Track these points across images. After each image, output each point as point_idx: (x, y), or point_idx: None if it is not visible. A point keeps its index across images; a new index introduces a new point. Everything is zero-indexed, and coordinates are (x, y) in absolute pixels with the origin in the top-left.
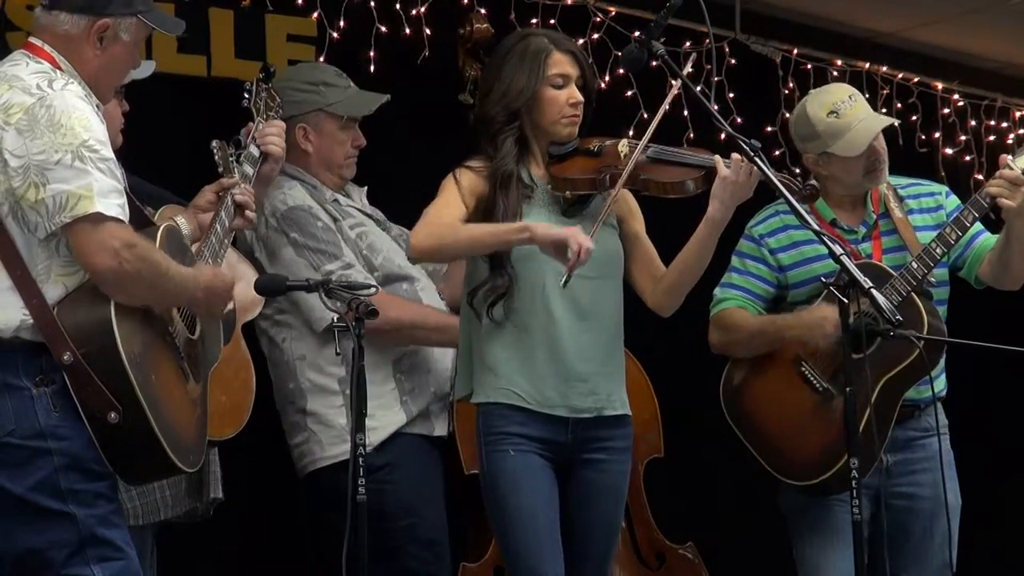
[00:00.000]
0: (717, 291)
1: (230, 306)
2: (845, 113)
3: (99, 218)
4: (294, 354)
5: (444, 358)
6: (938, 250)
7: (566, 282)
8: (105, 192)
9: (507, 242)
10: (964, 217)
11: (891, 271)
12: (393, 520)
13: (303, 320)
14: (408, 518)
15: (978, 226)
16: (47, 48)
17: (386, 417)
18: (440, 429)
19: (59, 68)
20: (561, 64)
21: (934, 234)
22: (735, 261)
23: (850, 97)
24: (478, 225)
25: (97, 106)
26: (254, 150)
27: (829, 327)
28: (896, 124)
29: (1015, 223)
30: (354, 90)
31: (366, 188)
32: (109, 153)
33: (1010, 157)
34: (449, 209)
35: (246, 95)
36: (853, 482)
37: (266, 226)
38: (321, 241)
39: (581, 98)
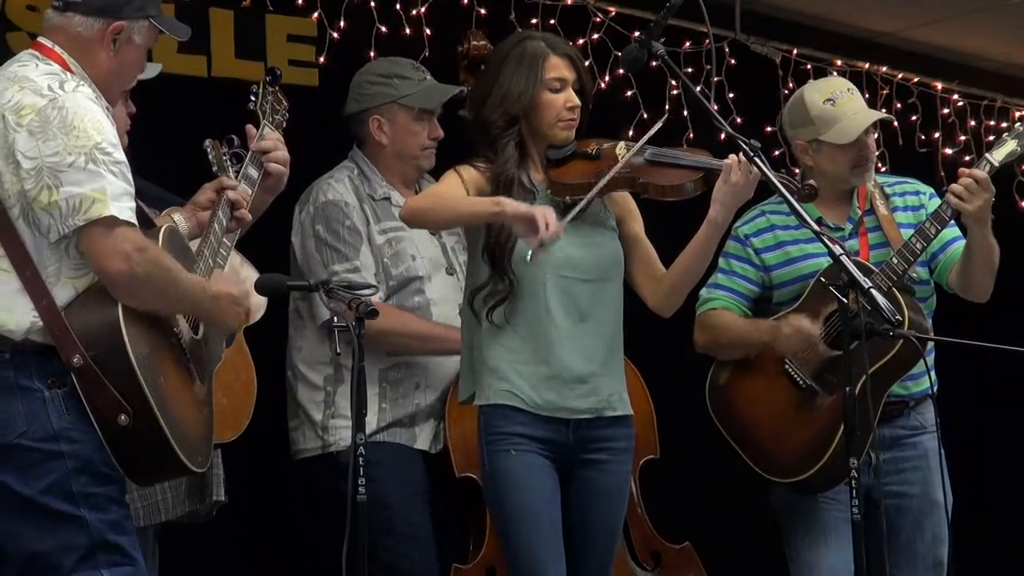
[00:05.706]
0: (703, 291)
1: (249, 317)
2: (841, 103)
3: (112, 222)
4: (292, 343)
5: (438, 380)
6: (918, 245)
7: (533, 256)
8: (118, 195)
9: (480, 214)
10: (943, 211)
11: (872, 267)
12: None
13: (308, 310)
14: (383, 511)
15: (955, 231)
16: (57, 49)
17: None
18: (422, 443)
19: (69, 70)
20: (558, 68)
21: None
22: (721, 262)
23: (848, 90)
24: (461, 197)
25: (107, 108)
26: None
27: (802, 336)
28: (893, 119)
29: (974, 230)
30: (430, 82)
31: None
32: (121, 156)
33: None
34: (450, 187)
35: (252, 98)
36: (853, 481)
37: (307, 212)
38: (341, 240)
39: (578, 102)
